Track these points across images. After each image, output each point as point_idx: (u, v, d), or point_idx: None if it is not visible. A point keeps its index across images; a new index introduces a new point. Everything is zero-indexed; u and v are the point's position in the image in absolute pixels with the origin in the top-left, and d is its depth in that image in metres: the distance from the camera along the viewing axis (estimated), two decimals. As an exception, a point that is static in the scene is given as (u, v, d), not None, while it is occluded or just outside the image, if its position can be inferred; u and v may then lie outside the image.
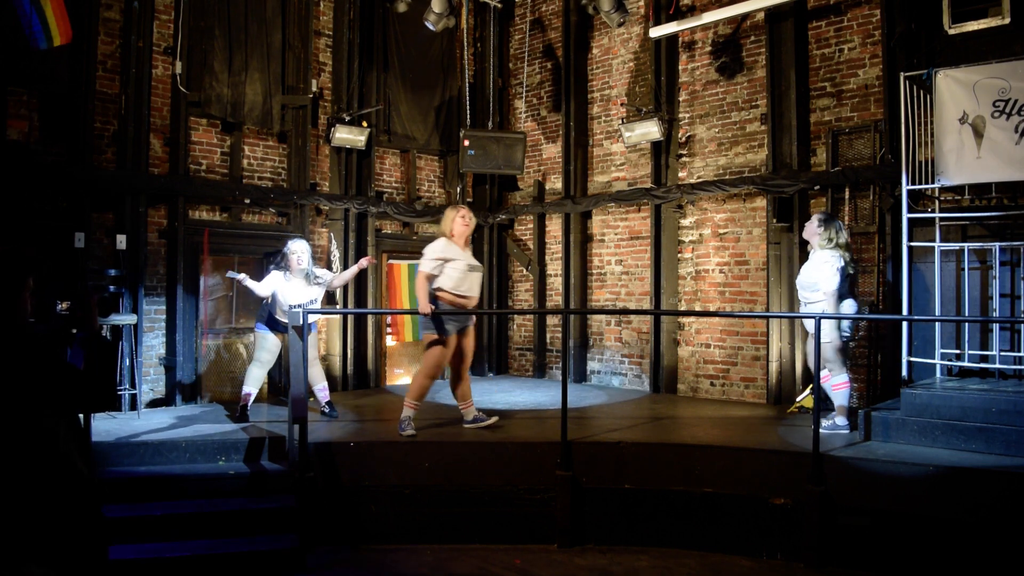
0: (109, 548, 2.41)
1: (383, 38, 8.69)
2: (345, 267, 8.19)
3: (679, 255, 8.05)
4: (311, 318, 6.11)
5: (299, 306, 6.07)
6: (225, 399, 7.33)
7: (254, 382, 6.26)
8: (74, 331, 2.47)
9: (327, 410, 6.36)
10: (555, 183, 9.27)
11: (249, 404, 6.24)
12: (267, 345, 6.23)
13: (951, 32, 5.97)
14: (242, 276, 6.14)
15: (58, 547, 2.15)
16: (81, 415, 2.48)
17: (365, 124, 8.19)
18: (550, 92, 9.36)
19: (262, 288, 6.16)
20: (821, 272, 5.50)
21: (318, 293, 6.36)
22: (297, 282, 6.21)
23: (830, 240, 5.58)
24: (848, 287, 5.67)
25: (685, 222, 8.02)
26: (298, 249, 6.25)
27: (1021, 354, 5.72)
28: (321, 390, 6.43)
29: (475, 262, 5.84)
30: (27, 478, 2.12)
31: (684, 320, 7.96)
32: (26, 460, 2.13)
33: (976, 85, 5.50)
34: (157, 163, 7.06)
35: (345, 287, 8.18)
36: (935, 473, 4.51)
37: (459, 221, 5.75)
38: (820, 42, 7.12)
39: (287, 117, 7.87)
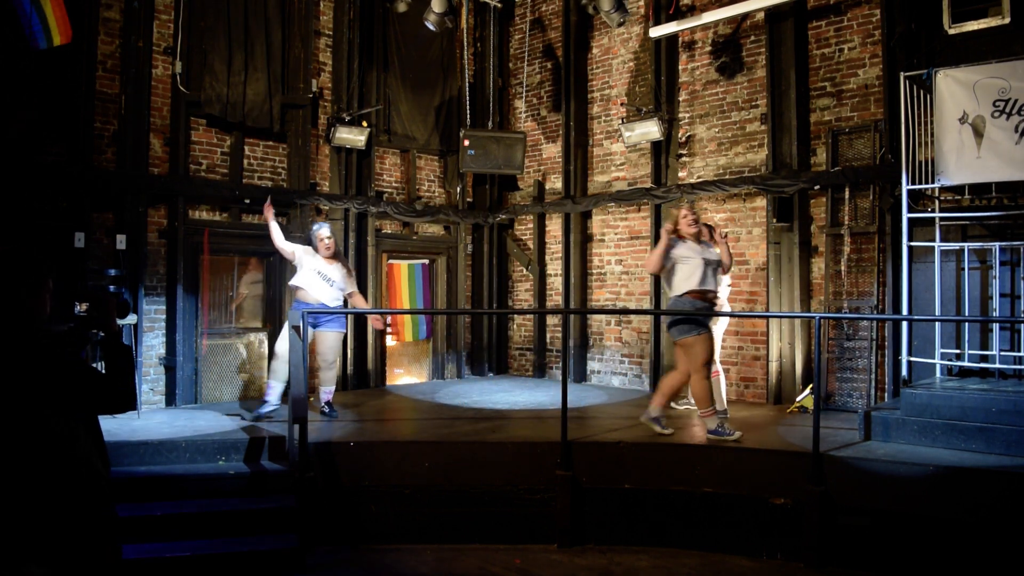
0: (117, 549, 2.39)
1: (383, 38, 8.69)
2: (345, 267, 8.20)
3: (679, 255, 8.05)
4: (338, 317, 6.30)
5: (332, 282, 6.28)
6: (225, 399, 7.34)
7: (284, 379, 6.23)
8: (93, 332, 2.46)
9: (326, 410, 6.36)
10: (555, 183, 9.27)
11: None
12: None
13: (951, 32, 5.97)
14: (270, 216, 6.28)
15: (66, 548, 2.14)
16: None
17: (365, 124, 8.19)
18: (550, 92, 9.36)
19: (282, 241, 6.27)
20: None
21: (343, 281, 6.43)
22: (326, 261, 6.32)
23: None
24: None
25: (685, 222, 8.01)
26: (325, 235, 6.37)
27: (1021, 354, 5.72)
28: (327, 392, 6.42)
29: (713, 255, 5.67)
30: (39, 479, 2.12)
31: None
32: (39, 462, 2.13)
33: (976, 85, 5.50)
34: (157, 163, 7.06)
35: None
36: (935, 473, 4.51)
37: (683, 222, 5.65)
38: (820, 42, 7.12)
39: (287, 117, 7.87)
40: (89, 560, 2.21)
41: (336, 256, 6.41)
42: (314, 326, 6.15)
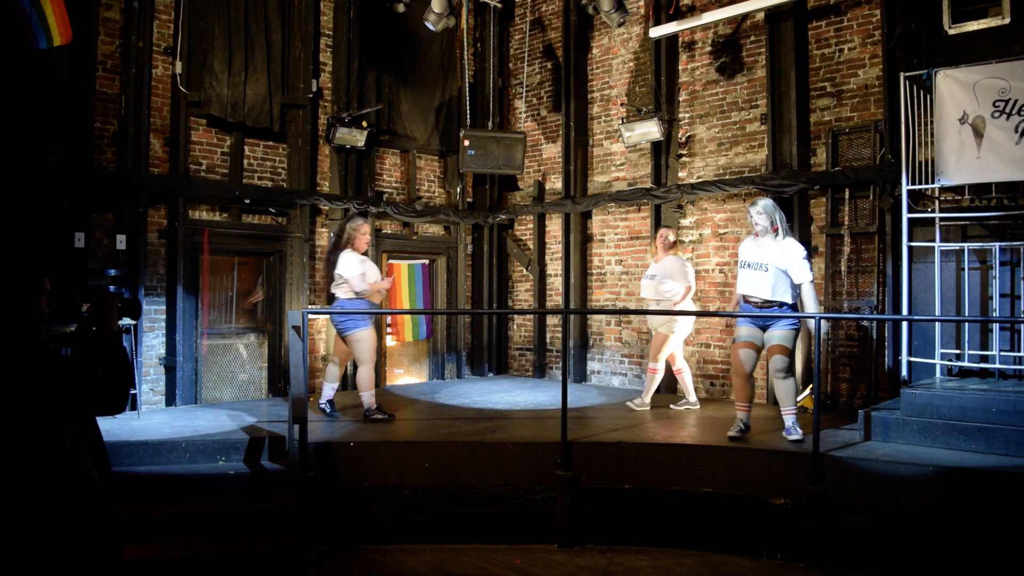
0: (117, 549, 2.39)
1: (383, 38, 8.68)
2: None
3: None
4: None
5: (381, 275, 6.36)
6: (225, 399, 7.34)
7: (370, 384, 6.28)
8: (92, 331, 2.46)
9: (328, 409, 6.34)
10: (555, 183, 9.27)
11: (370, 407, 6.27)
12: (372, 344, 6.20)
13: (951, 32, 5.97)
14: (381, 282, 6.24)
15: (57, 546, 2.14)
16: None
17: (365, 124, 8.19)
18: (550, 92, 9.37)
19: (356, 276, 6.07)
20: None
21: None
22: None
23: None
24: None
25: (685, 222, 8.02)
26: (367, 230, 6.34)
27: (1021, 354, 5.72)
28: (333, 389, 6.43)
29: (758, 259, 5.46)
30: (26, 477, 2.12)
31: (684, 320, 7.95)
32: (26, 460, 2.13)
33: (976, 85, 5.50)
34: (157, 163, 7.06)
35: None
36: (935, 473, 4.51)
37: (752, 221, 5.56)
38: (820, 42, 7.12)
39: (287, 117, 7.88)
40: (88, 559, 2.21)
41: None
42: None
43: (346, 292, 6.12)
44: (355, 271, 6.06)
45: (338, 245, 6.20)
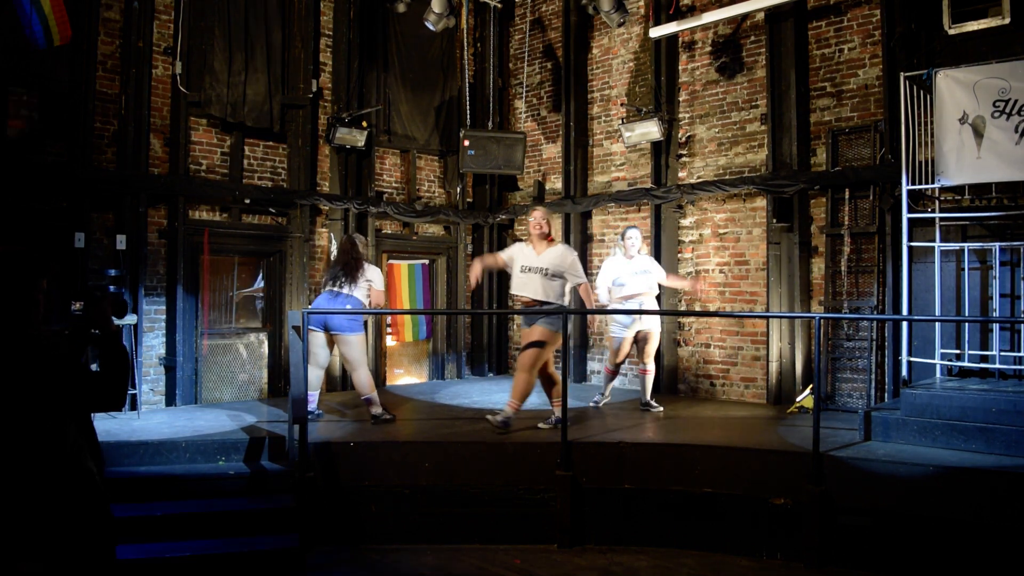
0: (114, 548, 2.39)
1: (383, 38, 8.69)
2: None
3: (679, 255, 8.05)
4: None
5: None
6: (225, 399, 7.33)
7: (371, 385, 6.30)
8: (92, 331, 2.47)
9: (315, 411, 6.25)
10: (555, 183, 9.27)
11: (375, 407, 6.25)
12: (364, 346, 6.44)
13: (951, 32, 5.97)
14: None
15: (58, 545, 2.14)
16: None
17: (365, 124, 8.19)
18: (550, 92, 9.36)
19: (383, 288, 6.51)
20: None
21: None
22: None
23: None
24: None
25: (685, 222, 8.02)
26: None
27: (1021, 354, 5.72)
28: (315, 397, 6.35)
29: (535, 264, 6.21)
30: (27, 476, 2.13)
31: (684, 320, 7.96)
32: (28, 459, 2.13)
33: (976, 85, 5.50)
34: (157, 163, 7.06)
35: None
36: (935, 473, 4.51)
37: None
38: (820, 42, 7.12)
39: (287, 117, 7.87)
40: (85, 558, 2.21)
41: None
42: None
43: (364, 296, 6.27)
44: (382, 283, 6.46)
45: (360, 256, 6.37)
